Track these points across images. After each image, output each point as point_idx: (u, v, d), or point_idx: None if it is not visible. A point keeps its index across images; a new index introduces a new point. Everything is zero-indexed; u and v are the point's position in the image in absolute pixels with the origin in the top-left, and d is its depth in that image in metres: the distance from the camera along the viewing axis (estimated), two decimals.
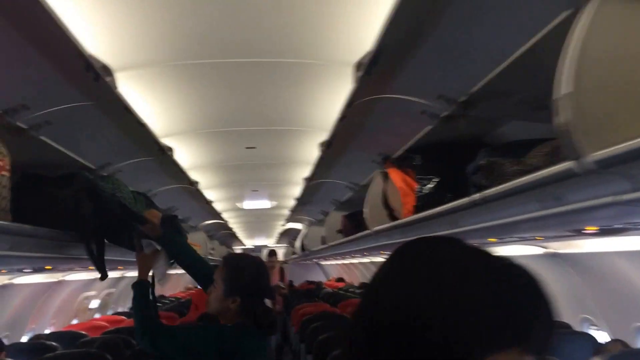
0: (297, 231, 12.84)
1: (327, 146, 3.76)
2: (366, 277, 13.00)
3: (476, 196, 2.16)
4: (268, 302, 6.16)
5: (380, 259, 9.17)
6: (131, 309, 2.55)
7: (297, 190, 6.66)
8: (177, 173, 4.71)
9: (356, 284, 13.48)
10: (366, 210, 4.23)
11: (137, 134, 3.47)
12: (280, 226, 12.28)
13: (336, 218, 6.70)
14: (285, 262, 14.56)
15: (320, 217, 8.68)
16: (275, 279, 8.04)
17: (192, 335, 2.32)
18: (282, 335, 8.67)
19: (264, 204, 8.43)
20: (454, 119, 2.78)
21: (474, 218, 2.49)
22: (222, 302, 2.36)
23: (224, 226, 10.62)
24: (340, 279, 15.24)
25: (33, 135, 2.93)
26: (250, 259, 2.52)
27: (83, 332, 5.81)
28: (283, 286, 8.71)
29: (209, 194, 6.49)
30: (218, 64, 2.83)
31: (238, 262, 2.47)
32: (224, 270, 2.42)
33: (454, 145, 3.23)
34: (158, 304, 9.82)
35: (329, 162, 4.53)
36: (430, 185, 3.38)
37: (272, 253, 8.60)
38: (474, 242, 3.44)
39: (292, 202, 7.88)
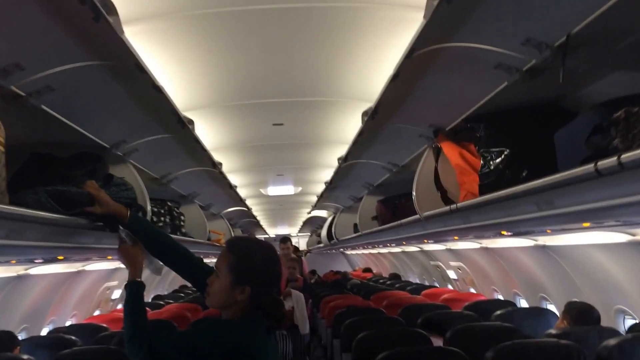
0: (322, 219, 12.40)
1: (371, 116, 3.24)
2: (397, 267, 12.48)
3: (607, 161, 1.60)
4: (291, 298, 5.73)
5: (417, 248, 8.64)
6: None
7: (325, 174, 6.15)
8: (198, 152, 4.22)
9: (385, 274, 12.98)
10: (414, 193, 3.71)
11: (153, 103, 2.99)
12: (306, 214, 11.80)
13: (370, 203, 6.19)
14: (303, 252, 14.09)
15: (349, 204, 8.17)
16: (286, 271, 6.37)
17: (195, 338, 2.02)
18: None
19: (289, 189, 7.99)
20: (542, 72, 2.25)
21: (586, 194, 1.94)
22: (229, 293, 2.10)
23: (247, 214, 10.17)
24: (368, 269, 14.75)
25: (33, 104, 2.45)
26: (260, 243, 2.29)
27: (104, 325, 5.51)
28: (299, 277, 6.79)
29: (232, 178, 6.01)
30: (242, 13, 2.38)
31: (247, 247, 2.19)
32: (230, 256, 2.13)
33: (533, 109, 2.72)
34: (180, 295, 9.54)
35: (369, 138, 4.01)
36: (498, 160, 2.85)
37: (286, 239, 7.28)
38: (570, 227, 2.93)
39: (318, 188, 7.39)
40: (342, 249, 14.38)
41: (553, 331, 3.66)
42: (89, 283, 6.95)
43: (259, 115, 3.84)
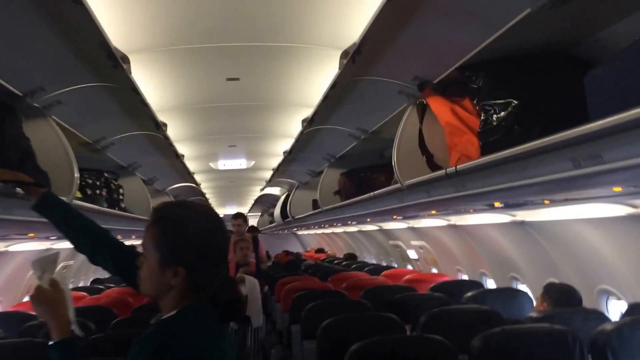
0: (275, 198, 11.85)
1: (349, 64, 2.69)
2: (352, 247, 12.06)
3: None
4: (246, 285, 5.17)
5: (376, 226, 8.18)
6: None
7: (283, 145, 5.57)
8: (138, 109, 3.57)
9: (340, 255, 12.55)
10: (395, 159, 3.16)
11: (79, 36, 2.36)
12: (258, 192, 11.21)
13: (332, 177, 5.66)
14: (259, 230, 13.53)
15: (306, 179, 7.63)
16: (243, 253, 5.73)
17: None
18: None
19: (241, 163, 7.37)
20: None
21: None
22: (158, 277, 1.57)
23: (196, 190, 9.49)
24: (321, 250, 14.31)
25: None
26: (194, 208, 1.65)
27: (33, 314, 4.78)
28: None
29: (179, 147, 5.37)
30: None
31: (176, 215, 1.60)
32: (155, 228, 1.59)
33: (543, 56, 2.26)
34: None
35: (339, 97, 3.46)
36: (503, 114, 2.36)
37: (239, 215, 6.30)
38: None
39: (274, 161, 6.80)
40: (295, 229, 13.86)
41: (534, 314, 3.44)
42: (16, 266, 6.19)
43: (210, 65, 3.24)
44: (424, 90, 2.94)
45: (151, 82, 3.23)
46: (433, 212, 4.27)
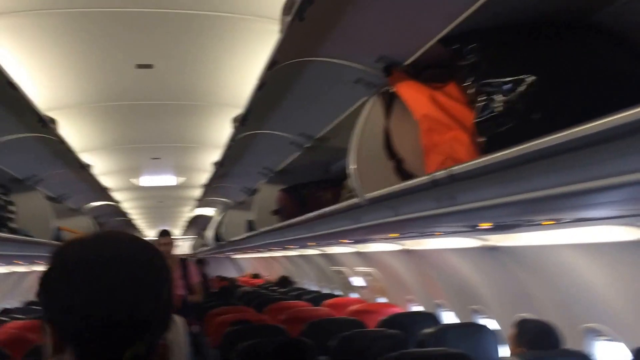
0: (208, 219, 10.96)
1: (279, 51, 1.97)
2: (290, 271, 11.25)
3: None
4: None
5: (338, 249, 7.42)
6: None
7: (213, 155, 4.77)
8: (22, 107, 2.74)
9: (273, 280, 11.72)
10: (353, 165, 2.37)
11: None
12: (189, 212, 10.29)
13: (269, 194, 4.88)
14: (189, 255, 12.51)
15: (241, 197, 6.81)
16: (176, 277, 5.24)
17: None
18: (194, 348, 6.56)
19: (168, 179, 6.51)
20: None
21: None
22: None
23: (117, 210, 8.51)
24: (257, 275, 13.42)
25: None
26: (72, 244, 1.05)
27: None
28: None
29: (88, 157, 4.47)
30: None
31: (56, 252, 1.04)
32: None
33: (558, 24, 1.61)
34: (36, 308, 7.71)
35: (275, 96, 2.74)
36: (512, 96, 1.67)
37: (165, 233, 5.58)
38: None
39: (204, 176, 5.97)
40: (229, 253, 12.92)
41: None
42: None
43: (115, 45, 2.46)
44: (392, 75, 2.24)
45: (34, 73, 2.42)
46: (393, 235, 3.56)
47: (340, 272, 8.14)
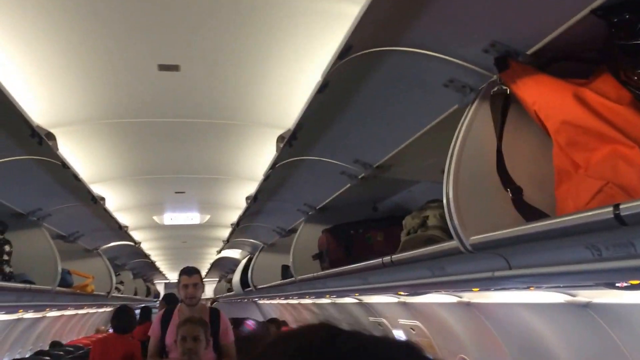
0: (234, 261, 10.32)
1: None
2: (320, 319, 10.48)
3: None
4: None
5: (377, 299, 6.63)
6: None
7: (245, 189, 4.14)
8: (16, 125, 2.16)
9: None
10: (450, 193, 1.63)
11: None
12: (215, 254, 9.68)
13: (310, 235, 4.21)
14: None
15: (274, 239, 6.15)
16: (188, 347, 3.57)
17: None
18: None
19: (193, 217, 5.91)
20: None
21: None
22: None
23: (137, 251, 7.92)
24: (283, 322, 12.61)
25: None
26: None
27: None
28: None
29: (99, 189, 3.88)
30: None
31: None
32: None
33: None
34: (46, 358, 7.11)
35: (338, 100, 2.11)
36: None
37: (192, 270, 4.13)
38: None
39: (234, 215, 5.35)
40: (255, 299, 12.20)
41: None
42: None
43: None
44: (508, 69, 1.60)
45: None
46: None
47: (380, 324, 7.38)
